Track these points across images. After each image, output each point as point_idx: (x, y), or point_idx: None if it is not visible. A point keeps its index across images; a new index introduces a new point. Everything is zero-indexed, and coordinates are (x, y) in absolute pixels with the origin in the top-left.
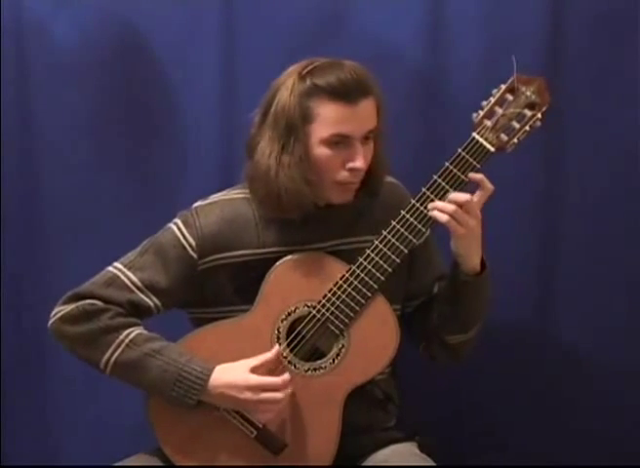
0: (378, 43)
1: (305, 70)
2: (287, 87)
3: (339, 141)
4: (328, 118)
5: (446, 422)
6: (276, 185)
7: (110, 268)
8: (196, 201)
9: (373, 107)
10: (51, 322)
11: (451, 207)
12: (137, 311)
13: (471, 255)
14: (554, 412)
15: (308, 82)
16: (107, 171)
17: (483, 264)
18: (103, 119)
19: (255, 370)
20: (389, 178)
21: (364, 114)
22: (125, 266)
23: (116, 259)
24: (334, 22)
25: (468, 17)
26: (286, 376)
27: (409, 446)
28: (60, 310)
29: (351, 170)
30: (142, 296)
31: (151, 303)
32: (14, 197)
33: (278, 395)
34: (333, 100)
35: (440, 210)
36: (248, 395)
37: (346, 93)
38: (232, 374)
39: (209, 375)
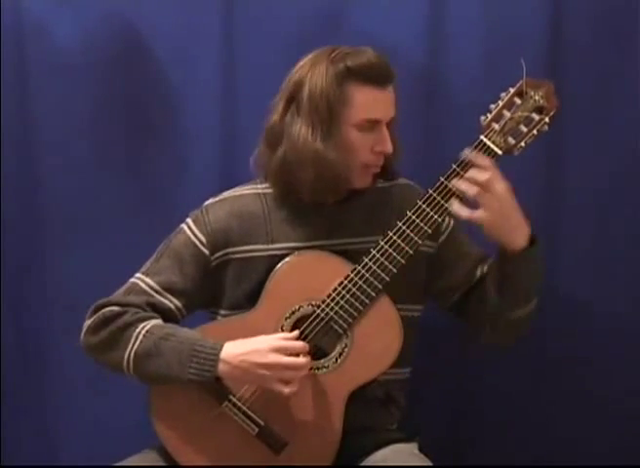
0: (378, 43)
1: (335, 55)
2: (319, 72)
3: (369, 126)
4: (362, 102)
5: (447, 423)
6: (330, 166)
7: (131, 279)
8: (196, 201)
9: (394, 94)
10: (80, 339)
11: (473, 189)
12: (157, 312)
13: (509, 238)
14: (555, 413)
15: (342, 66)
16: (107, 171)
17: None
18: (103, 119)
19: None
20: (405, 180)
21: (390, 99)
22: (143, 274)
23: (115, 259)
24: (334, 22)
25: (468, 17)
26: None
27: (409, 446)
28: (85, 325)
29: (379, 153)
30: (161, 299)
31: (171, 305)
32: (14, 197)
33: (302, 360)
34: (367, 84)
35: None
36: (272, 358)
37: (378, 77)
38: (252, 341)
39: (221, 346)
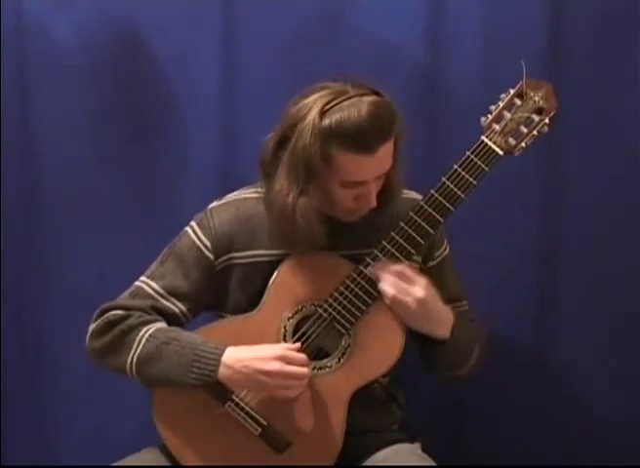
0: (378, 43)
1: (330, 106)
2: (307, 125)
3: (354, 184)
4: (346, 167)
5: (448, 423)
6: (292, 224)
7: (135, 282)
8: (196, 201)
9: (390, 147)
10: (86, 344)
11: (391, 278)
12: (162, 317)
13: (428, 331)
14: (554, 413)
15: (327, 124)
16: (107, 171)
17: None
18: (103, 119)
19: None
20: (412, 194)
21: (381, 159)
22: (148, 277)
23: (115, 259)
24: (334, 23)
25: (468, 17)
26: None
27: (411, 446)
28: (90, 329)
29: (363, 205)
30: (166, 303)
31: (176, 309)
32: (14, 197)
33: (304, 369)
34: (351, 151)
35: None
36: (275, 366)
37: (366, 144)
38: (256, 349)
39: (223, 350)
